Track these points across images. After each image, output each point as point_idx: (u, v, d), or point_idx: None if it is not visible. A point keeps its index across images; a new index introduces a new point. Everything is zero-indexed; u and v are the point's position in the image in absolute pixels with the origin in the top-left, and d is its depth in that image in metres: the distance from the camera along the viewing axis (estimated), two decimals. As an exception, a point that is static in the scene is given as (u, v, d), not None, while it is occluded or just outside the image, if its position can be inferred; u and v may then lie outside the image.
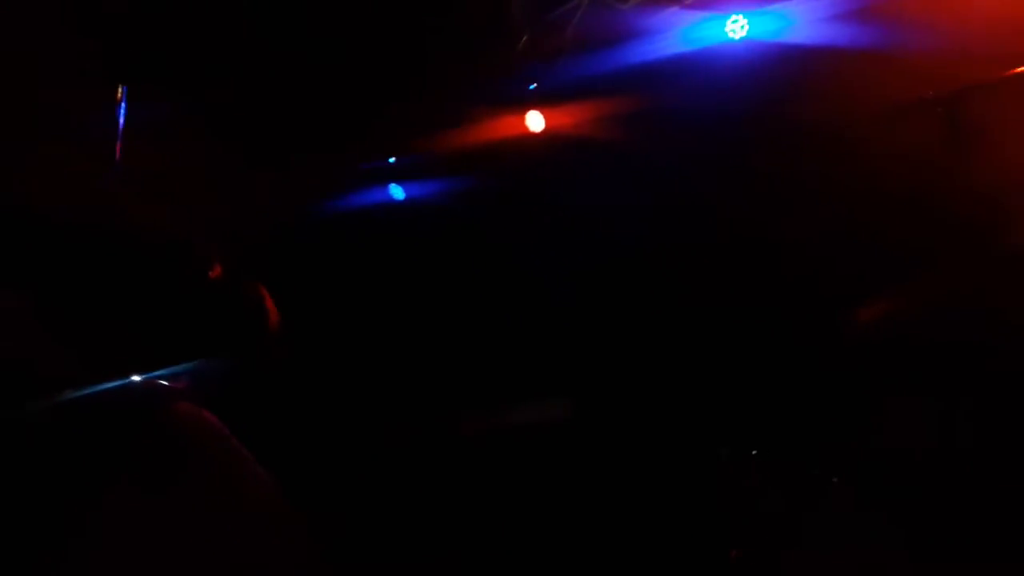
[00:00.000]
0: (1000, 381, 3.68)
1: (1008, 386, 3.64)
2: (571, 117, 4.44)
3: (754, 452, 3.97)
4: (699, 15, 3.92)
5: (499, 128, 4.57)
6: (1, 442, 1.71)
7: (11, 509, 1.61)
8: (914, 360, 3.88)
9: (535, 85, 4.46)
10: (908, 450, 3.77)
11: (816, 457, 3.89)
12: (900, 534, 3.54)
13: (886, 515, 3.62)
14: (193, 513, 1.60)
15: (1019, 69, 3.67)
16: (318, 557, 1.77)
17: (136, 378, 2.12)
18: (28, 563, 1.56)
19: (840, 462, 3.83)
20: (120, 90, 3.46)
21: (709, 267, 4.33)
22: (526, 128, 4.51)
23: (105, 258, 2.84)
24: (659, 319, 4.52)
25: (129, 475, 1.62)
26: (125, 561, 1.56)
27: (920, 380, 3.85)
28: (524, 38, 4.30)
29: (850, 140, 3.88)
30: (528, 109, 4.48)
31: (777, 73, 3.87)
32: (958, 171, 3.81)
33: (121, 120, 3.46)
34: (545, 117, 4.48)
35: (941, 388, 3.80)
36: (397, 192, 4.87)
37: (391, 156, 4.82)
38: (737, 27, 3.85)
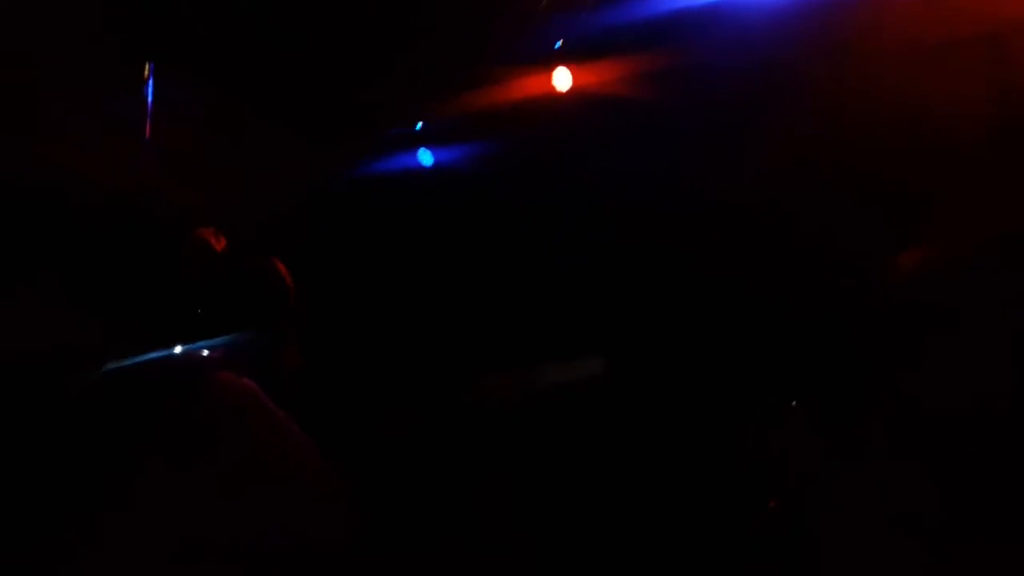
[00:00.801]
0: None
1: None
2: (599, 75, 4.37)
3: (792, 403, 3.95)
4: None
5: (524, 88, 4.52)
6: (50, 411, 1.75)
7: (59, 473, 1.65)
8: (949, 311, 3.82)
9: (561, 42, 4.40)
10: (944, 402, 3.73)
11: (853, 408, 3.86)
12: (935, 487, 3.52)
13: (921, 467, 3.59)
14: (235, 476, 1.63)
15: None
16: (357, 518, 1.79)
17: (177, 349, 2.15)
18: (76, 523, 1.60)
19: (877, 414, 3.80)
20: (148, 67, 3.47)
21: (741, 223, 4.28)
22: (552, 87, 4.45)
23: (135, 236, 2.87)
24: (692, 276, 4.49)
25: (173, 440, 1.65)
26: (170, 521, 1.60)
27: (955, 331, 3.80)
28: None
29: (884, 85, 3.78)
30: (554, 67, 4.42)
31: (811, 17, 3.78)
32: (999, 117, 3.71)
33: (150, 98, 3.47)
34: (572, 75, 4.42)
35: (977, 338, 3.74)
36: (425, 158, 4.85)
37: (417, 122, 4.79)
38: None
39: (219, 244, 2.65)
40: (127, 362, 2.03)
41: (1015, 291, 3.59)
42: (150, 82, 3.42)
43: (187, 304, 2.42)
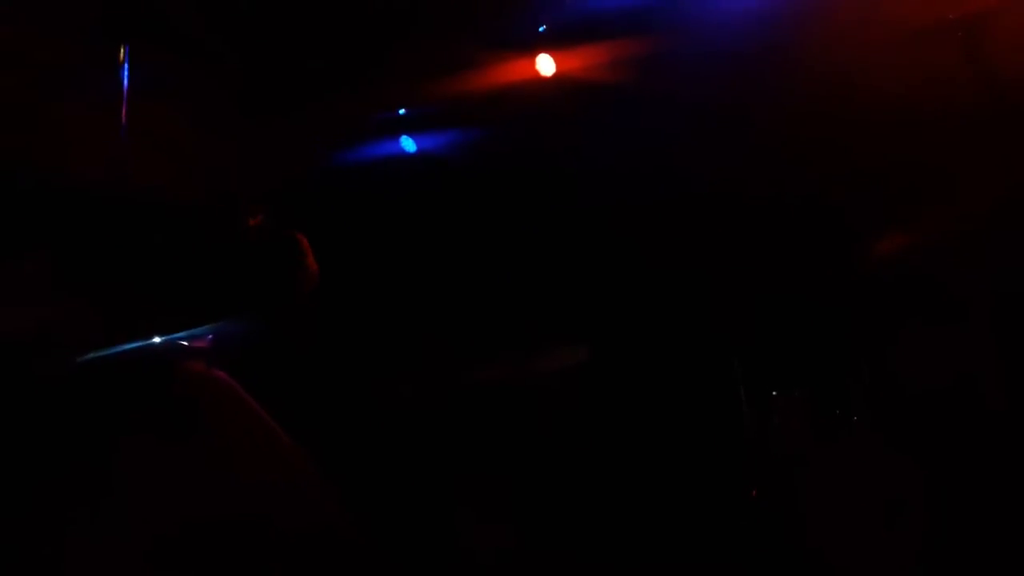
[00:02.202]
0: (1019, 313, 3.64)
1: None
2: (583, 60, 4.34)
3: (774, 392, 3.96)
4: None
5: (508, 74, 4.48)
6: (25, 401, 1.74)
7: (35, 461, 1.64)
8: (933, 293, 3.84)
9: (544, 28, 4.36)
10: (928, 387, 3.75)
11: (836, 395, 3.88)
12: (919, 472, 3.54)
13: (905, 453, 3.61)
14: (204, 464, 1.63)
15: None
16: (334, 508, 1.79)
17: (157, 339, 2.13)
18: (52, 509, 1.60)
19: (860, 400, 3.82)
20: (123, 50, 3.42)
21: (726, 206, 4.28)
22: (536, 73, 4.42)
23: (120, 220, 2.83)
24: (677, 260, 4.48)
25: (143, 428, 1.65)
26: (140, 507, 1.60)
27: (939, 314, 3.81)
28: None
29: (867, 67, 3.78)
30: (538, 52, 4.39)
31: (795, 2, 3.77)
32: (978, 99, 3.72)
33: (126, 81, 3.42)
34: (556, 60, 4.39)
35: (960, 321, 3.76)
36: (408, 144, 4.81)
37: (400, 107, 4.75)
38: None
39: (254, 218, 2.63)
40: (104, 352, 2.01)
41: (1000, 272, 3.61)
42: (125, 65, 3.37)
43: (180, 286, 2.40)
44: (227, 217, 2.68)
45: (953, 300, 3.81)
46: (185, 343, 2.13)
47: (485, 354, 4.65)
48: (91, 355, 1.99)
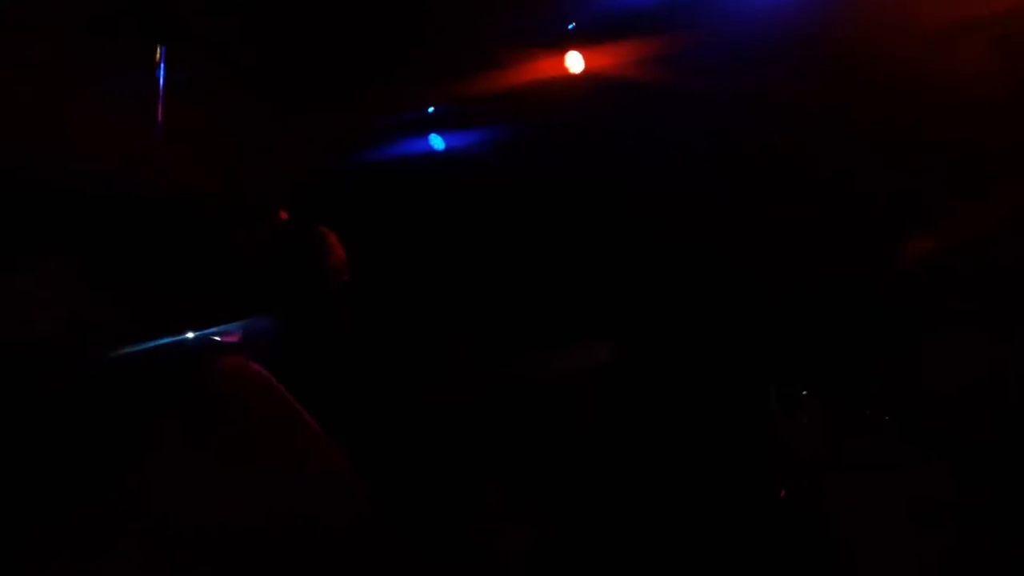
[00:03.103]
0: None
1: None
2: (612, 57, 4.33)
3: (804, 392, 3.93)
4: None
5: (537, 71, 4.49)
6: (58, 396, 1.76)
7: (69, 455, 1.67)
8: (964, 294, 3.79)
9: (573, 24, 4.36)
10: (956, 388, 3.71)
11: (865, 396, 3.84)
12: (946, 473, 3.50)
13: (933, 454, 3.58)
14: (234, 457, 1.64)
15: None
16: (366, 504, 1.80)
17: (190, 335, 2.16)
18: (85, 502, 1.62)
19: (889, 401, 3.78)
20: (159, 51, 3.47)
21: (756, 203, 4.25)
22: (565, 70, 4.42)
23: (155, 219, 2.87)
24: (705, 258, 4.46)
25: (176, 424, 1.66)
26: (172, 500, 1.61)
27: (969, 315, 3.77)
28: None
29: (900, 64, 3.74)
30: (567, 50, 4.39)
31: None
32: (1013, 96, 3.67)
33: (161, 81, 3.47)
34: (585, 58, 4.39)
35: (989, 323, 3.71)
36: (437, 142, 4.82)
37: (428, 105, 4.76)
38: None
39: (279, 222, 2.66)
40: (137, 347, 2.04)
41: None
42: (162, 65, 3.42)
43: (218, 284, 2.43)
44: (252, 214, 2.71)
45: (986, 301, 3.77)
46: (218, 338, 2.16)
47: (511, 352, 4.65)
48: (122, 351, 2.02)
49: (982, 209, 3.78)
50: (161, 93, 3.36)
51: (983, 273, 3.74)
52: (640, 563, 3.96)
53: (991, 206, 3.74)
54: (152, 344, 2.08)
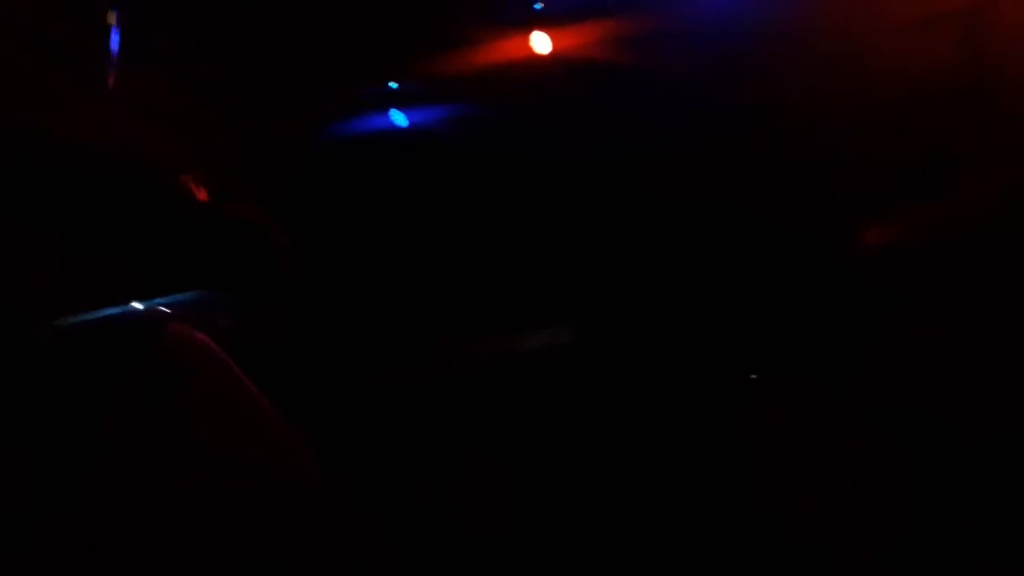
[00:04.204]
0: (1006, 305, 3.65)
1: (1014, 310, 3.61)
2: (579, 38, 4.31)
3: (753, 376, 3.97)
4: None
5: (503, 51, 4.45)
6: (8, 363, 1.72)
7: (18, 422, 1.63)
8: (921, 284, 3.84)
9: (540, 5, 4.33)
10: (913, 375, 3.76)
11: (821, 381, 3.88)
12: (901, 460, 3.55)
13: (888, 440, 3.63)
14: (183, 423, 1.63)
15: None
16: (317, 479, 1.78)
17: (137, 305, 2.11)
18: (36, 469, 1.59)
19: (845, 386, 3.82)
20: (114, 15, 3.38)
21: (718, 189, 4.26)
22: (531, 50, 4.39)
23: (105, 187, 2.80)
24: (666, 243, 4.47)
25: (122, 389, 1.64)
26: (123, 466, 1.59)
27: (926, 304, 3.82)
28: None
29: (864, 56, 3.77)
30: (533, 30, 4.35)
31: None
32: (974, 90, 3.72)
33: (115, 47, 3.38)
34: (551, 39, 4.35)
35: (947, 312, 3.77)
36: (399, 118, 4.76)
37: (391, 81, 4.70)
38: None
39: (200, 193, 2.61)
40: (83, 317, 2.00)
41: (988, 262, 3.61)
42: (115, 30, 3.32)
43: (163, 254, 2.39)
44: (176, 190, 2.65)
45: (947, 292, 3.82)
46: (166, 309, 2.11)
47: (473, 332, 4.63)
48: (69, 320, 1.97)
49: (941, 201, 3.82)
50: (115, 57, 3.27)
51: (941, 263, 3.79)
52: (605, 539, 3.98)
53: (951, 198, 3.79)
54: (99, 313, 2.03)
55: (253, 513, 1.68)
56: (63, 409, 1.71)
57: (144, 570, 1.58)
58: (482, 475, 4.26)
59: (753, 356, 4.09)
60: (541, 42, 4.36)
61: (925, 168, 3.81)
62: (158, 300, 2.18)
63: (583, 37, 4.29)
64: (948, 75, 3.70)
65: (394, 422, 4.21)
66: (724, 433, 4.01)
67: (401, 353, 4.52)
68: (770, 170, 4.17)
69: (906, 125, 3.78)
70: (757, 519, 3.74)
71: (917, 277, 3.85)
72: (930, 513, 3.40)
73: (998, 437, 3.50)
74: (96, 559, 1.58)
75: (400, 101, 4.74)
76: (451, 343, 4.61)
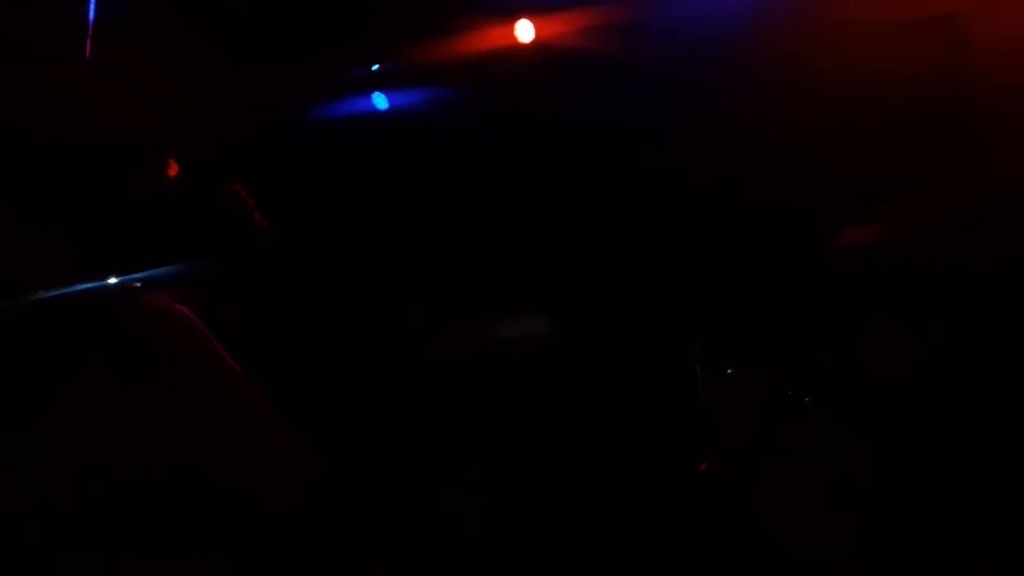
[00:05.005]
0: (981, 306, 3.68)
1: (988, 311, 3.65)
2: (563, 26, 4.29)
3: (729, 370, 3.97)
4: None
5: (486, 38, 4.42)
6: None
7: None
8: (898, 283, 3.87)
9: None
10: (886, 373, 3.78)
11: (792, 377, 3.90)
12: (872, 457, 3.58)
13: (859, 438, 3.65)
14: (160, 396, 1.60)
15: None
16: (289, 445, 1.76)
17: (112, 280, 2.07)
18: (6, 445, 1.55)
19: (816, 383, 3.84)
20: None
21: (696, 183, 4.27)
22: (515, 38, 4.36)
23: (80, 164, 2.74)
24: (642, 234, 4.47)
25: (100, 363, 1.60)
26: (98, 440, 1.56)
27: (902, 304, 3.85)
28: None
29: (849, 56, 3.78)
30: (517, 18, 4.33)
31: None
32: (958, 92, 3.74)
33: (91, 16, 3.31)
34: (535, 27, 4.33)
35: (922, 312, 3.80)
36: (380, 101, 4.72)
37: (374, 63, 4.66)
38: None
39: (171, 169, 2.56)
40: (56, 292, 1.95)
41: (967, 264, 3.64)
42: (92, 1, 3.25)
43: (139, 231, 2.34)
44: (152, 167, 2.60)
45: (925, 292, 3.85)
46: (139, 285, 2.06)
47: (449, 319, 4.61)
48: (42, 294, 1.92)
49: (920, 203, 3.85)
50: (91, 27, 3.20)
51: (919, 264, 3.82)
52: (580, 533, 3.99)
53: (929, 201, 3.82)
54: (72, 288, 1.98)
55: (233, 491, 1.65)
56: (34, 380, 1.66)
57: (119, 549, 1.55)
58: (460, 465, 4.25)
59: (722, 349, 4.10)
60: (525, 30, 4.34)
61: (905, 170, 3.83)
62: (133, 276, 2.14)
63: (567, 26, 4.27)
64: (930, 79, 3.72)
65: (373, 408, 4.19)
66: (699, 426, 4.02)
67: (378, 339, 4.49)
68: (747, 163, 4.18)
69: (888, 127, 3.80)
70: (732, 515, 3.75)
71: (896, 277, 3.88)
72: (906, 511, 3.43)
73: (976, 436, 3.54)
74: (69, 539, 1.54)
75: (382, 84, 4.70)
76: (429, 330, 4.58)
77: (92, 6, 3.32)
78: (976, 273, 3.67)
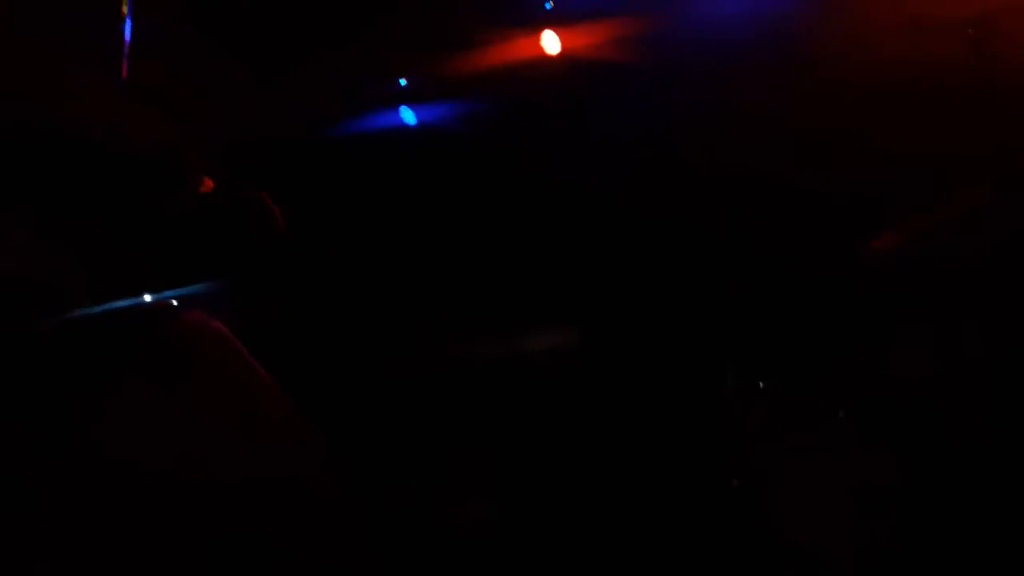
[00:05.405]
0: (1006, 311, 3.65)
1: (1012, 316, 3.62)
2: (588, 38, 4.31)
3: (760, 384, 3.96)
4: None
5: (513, 49, 4.45)
6: (18, 354, 1.72)
7: (32, 411, 1.63)
8: (925, 291, 3.85)
9: (551, 4, 4.33)
10: (913, 385, 3.76)
11: (821, 390, 3.88)
12: (894, 468, 3.56)
13: (888, 450, 3.63)
14: (196, 410, 1.64)
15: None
16: (320, 457, 1.80)
17: (147, 298, 2.12)
18: (48, 457, 1.60)
19: (845, 396, 3.82)
20: (126, 3, 3.37)
21: (723, 192, 4.27)
22: (541, 49, 4.39)
23: (113, 176, 2.80)
24: (670, 246, 4.47)
25: (138, 377, 1.64)
26: (133, 454, 1.60)
27: (929, 312, 3.82)
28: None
29: (876, 60, 3.77)
30: (543, 29, 4.36)
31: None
32: (983, 96, 3.72)
33: (127, 35, 3.38)
34: (561, 38, 4.36)
35: (949, 321, 3.77)
36: (408, 115, 4.77)
37: (402, 78, 4.70)
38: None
39: (205, 186, 2.61)
40: (99, 308, 2.00)
41: (994, 269, 3.62)
42: (128, 19, 3.32)
43: (173, 243, 2.39)
44: (180, 178, 2.65)
45: (942, 298, 3.82)
46: (175, 302, 2.11)
47: (474, 330, 4.63)
48: (82, 310, 1.98)
49: (944, 208, 3.83)
50: (127, 47, 3.27)
51: (940, 269, 3.80)
52: (595, 541, 3.98)
53: (953, 206, 3.79)
54: (111, 306, 2.03)
55: (262, 500, 1.68)
56: (75, 395, 1.71)
57: (147, 551, 1.59)
58: (475, 474, 4.26)
59: (750, 361, 4.09)
60: (551, 41, 4.37)
61: (931, 174, 3.81)
62: (168, 293, 2.19)
63: (593, 37, 4.29)
64: (959, 81, 3.70)
65: (396, 417, 4.22)
66: (718, 437, 4.01)
67: (401, 349, 4.52)
68: (771, 173, 4.17)
69: (914, 133, 3.78)
70: (747, 518, 3.74)
71: (920, 282, 3.85)
72: (920, 514, 3.41)
73: (993, 441, 3.51)
74: (102, 541, 1.59)
75: (410, 97, 4.74)
76: (451, 341, 4.61)
77: (129, 25, 3.40)
78: (1000, 278, 3.64)
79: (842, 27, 3.77)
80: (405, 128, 4.79)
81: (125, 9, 3.32)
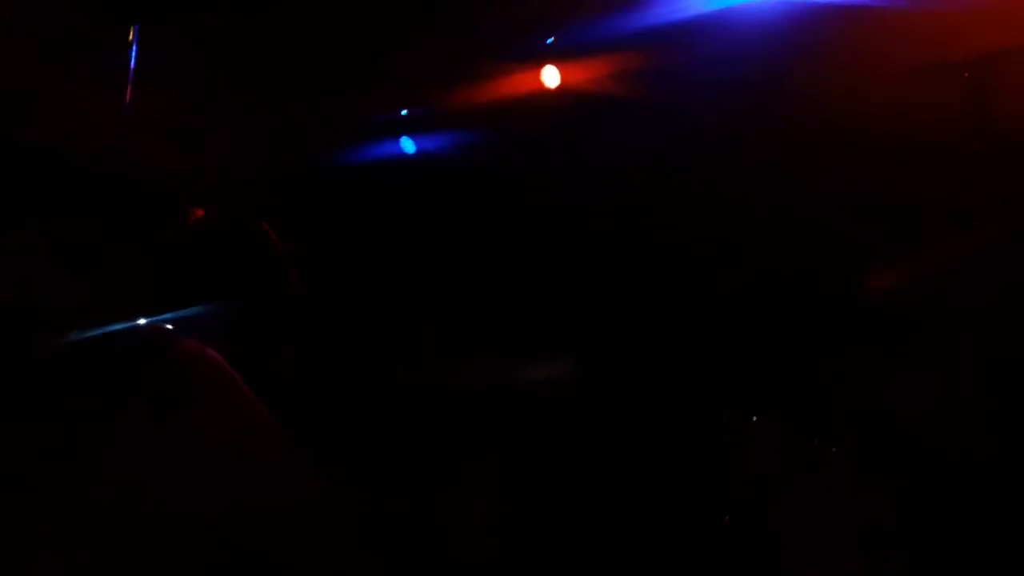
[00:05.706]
0: (1007, 352, 3.66)
1: (1013, 353, 3.63)
2: (588, 73, 4.35)
3: (754, 418, 3.96)
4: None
5: (514, 83, 4.49)
6: (12, 377, 1.73)
7: (25, 438, 1.64)
8: (924, 329, 3.86)
9: (552, 39, 4.38)
10: (909, 422, 3.76)
11: (816, 425, 3.88)
12: (894, 507, 3.55)
13: (882, 486, 3.62)
14: (193, 439, 1.64)
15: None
16: (314, 486, 1.80)
17: (142, 321, 2.12)
18: (43, 487, 1.60)
19: (840, 432, 3.82)
20: (132, 30, 3.42)
21: (722, 228, 4.29)
22: (541, 83, 4.43)
23: (114, 200, 2.81)
24: (667, 280, 4.49)
25: (134, 406, 1.65)
26: (131, 483, 1.60)
27: (927, 351, 3.83)
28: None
29: (872, 103, 3.80)
30: (544, 64, 4.40)
31: (798, 33, 3.79)
32: (980, 138, 3.75)
33: (133, 61, 3.41)
34: (561, 72, 4.40)
35: (947, 359, 3.78)
36: (408, 145, 4.81)
37: (403, 108, 4.75)
38: (759, -16, 3.76)
39: (196, 213, 2.62)
40: (89, 333, 2.00)
41: (993, 309, 3.63)
42: (134, 46, 3.36)
43: (168, 270, 2.39)
44: (183, 205, 2.67)
45: (941, 337, 3.83)
46: (170, 327, 2.12)
47: (473, 360, 4.64)
48: (80, 334, 1.98)
49: (943, 249, 3.85)
50: (132, 73, 3.30)
51: (940, 307, 3.81)
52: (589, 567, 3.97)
53: (951, 246, 3.81)
54: (105, 329, 2.04)
55: (256, 531, 1.69)
56: (68, 421, 1.71)
57: (152, 570, 1.60)
58: (473, 504, 4.25)
59: (747, 397, 4.10)
60: (551, 75, 4.41)
61: (930, 213, 3.84)
62: (164, 316, 2.19)
63: (593, 71, 4.34)
64: (956, 123, 3.73)
65: (394, 445, 4.21)
66: (719, 474, 4.00)
67: (400, 377, 4.52)
68: (774, 210, 4.20)
69: (912, 174, 3.81)
70: (748, 556, 3.72)
71: (917, 319, 3.87)
72: (921, 552, 3.40)
73: (992, 476, 3.50)
74: (105, 567, 1.59)
75: (410, 128, 4.79)
76: (449, 371, 4.61)
77: (135, 51, 3.43)
78: (998, 316, 3.65)
79: (839, 70, 3.80)
80: (406, 158, 4.83)
81: (131, 36, 3.36)
